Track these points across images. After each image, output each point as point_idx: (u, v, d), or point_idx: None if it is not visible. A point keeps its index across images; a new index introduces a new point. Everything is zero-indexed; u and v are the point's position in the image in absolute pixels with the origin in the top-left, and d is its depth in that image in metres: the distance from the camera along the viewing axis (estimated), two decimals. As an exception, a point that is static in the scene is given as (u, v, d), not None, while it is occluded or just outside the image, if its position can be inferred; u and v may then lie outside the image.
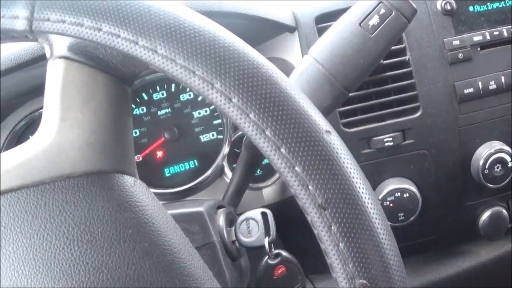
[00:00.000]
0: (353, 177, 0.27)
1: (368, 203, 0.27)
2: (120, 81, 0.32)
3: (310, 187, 0.27)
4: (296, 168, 0.27)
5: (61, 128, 0.30)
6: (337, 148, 0.28)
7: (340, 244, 0.27)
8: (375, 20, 0.45)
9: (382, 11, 0.45)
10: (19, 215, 0.29)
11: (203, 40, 0.28)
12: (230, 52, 0.28)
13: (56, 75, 0.31)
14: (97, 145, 0.31)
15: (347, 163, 0.28)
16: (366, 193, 0.28)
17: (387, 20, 0.45)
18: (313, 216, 0.27)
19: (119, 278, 0.29)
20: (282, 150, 0.27)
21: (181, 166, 0.71)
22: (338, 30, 0.46)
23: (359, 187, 0.27)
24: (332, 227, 0.27)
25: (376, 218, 0.27)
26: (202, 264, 0.33)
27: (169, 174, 0.71)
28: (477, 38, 0.63)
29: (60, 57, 0.31)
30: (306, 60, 0.46)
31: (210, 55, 0.27)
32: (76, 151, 0.30)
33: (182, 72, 0.28)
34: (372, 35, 0.45)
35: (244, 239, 0.46)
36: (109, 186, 0.30)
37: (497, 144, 0.63)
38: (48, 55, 0.32)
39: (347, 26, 0.45)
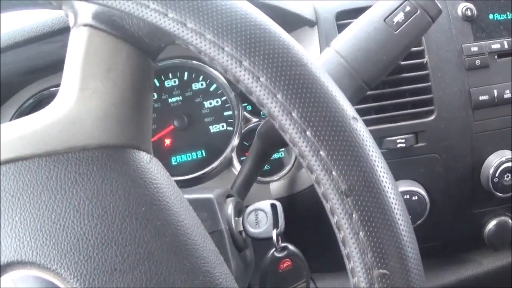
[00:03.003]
0: (378, 166, 0.27)
1: (391, 193, 0.27)
2: (144, 54, 0.31)
3: (334, 172, 0.26)
4: (321, 153, 0.26)
5: (79, 97, 0.29)
6: (363, 136, 0.27)
7: (360, 233, 0.26)
8: (400, 17, 0.44)
9: (408, 8, 0.44)
10: (29, 184, 0.28)
11: (234, 16, 0.27)
12: (261, 30, 0.27)
13: (78, 43, 0.30)
14: (115, 118, 0.30)
15: (373, 151, 0.27)
16: (389, 184, 0.27)
17: (412, 17, 0.44)
18: (335, 203, 0.26)
19: (129, 256, 0.28)
20: (308, 133, 0.26)
21: (188, 155, 0.70)
22: (362, 25, 0.45)
23: (383, 177, 0.27)
24: (354, 215, 0.26)
25: (397, 209, 0.27)
26: (214, 248, 0.32)
27: (176, 163, 0.70)
28: (495, 46, 0.63)
29: (85, 25, 0.30)
30: (327, 52, 0.46)
31: (241, 32, 0.27)
32: (93, 122, 0.29)
33: (211, 47, 0.27)
34: (396, 32, 0.44)
35: (252, 230, 0.45)
36: (125, 161, 0.29)
37: (508, 153, 0.63)
38: (71, 24, 0.31)
39: (371, 21, 0.45)
